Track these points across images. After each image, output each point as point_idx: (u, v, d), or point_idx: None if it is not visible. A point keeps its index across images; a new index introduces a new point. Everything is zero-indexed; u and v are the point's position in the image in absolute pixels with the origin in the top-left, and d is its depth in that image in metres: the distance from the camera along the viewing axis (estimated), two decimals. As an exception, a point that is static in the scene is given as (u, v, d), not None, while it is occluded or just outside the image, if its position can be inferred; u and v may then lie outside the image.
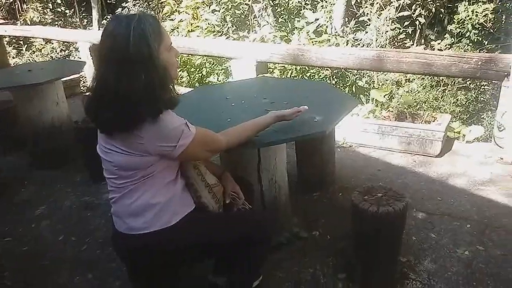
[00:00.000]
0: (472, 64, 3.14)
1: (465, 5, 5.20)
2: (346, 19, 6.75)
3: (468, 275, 2.07)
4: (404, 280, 2.05)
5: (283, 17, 7.12)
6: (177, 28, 6.47)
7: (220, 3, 6.66)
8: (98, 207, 2.90)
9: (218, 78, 6.13)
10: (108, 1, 10.03)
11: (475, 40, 4.80)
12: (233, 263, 1.64)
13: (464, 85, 5.09)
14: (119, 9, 8.38)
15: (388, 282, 2.02)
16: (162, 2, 7.65)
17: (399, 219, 1.88)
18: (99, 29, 8.47)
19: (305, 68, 4.89)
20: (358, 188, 2.02)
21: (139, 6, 8.71)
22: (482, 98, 5.06)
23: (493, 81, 3.90)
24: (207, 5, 6.84)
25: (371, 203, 1.86)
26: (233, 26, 7.06)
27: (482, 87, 5.01)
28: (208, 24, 6.42)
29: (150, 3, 8.89)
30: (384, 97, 3.68)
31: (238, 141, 1.58)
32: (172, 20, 6.51)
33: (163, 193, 1.44)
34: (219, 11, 6.66)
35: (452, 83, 4.63)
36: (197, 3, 6.25)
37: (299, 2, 6.81)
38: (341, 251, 2.25)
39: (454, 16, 5.80)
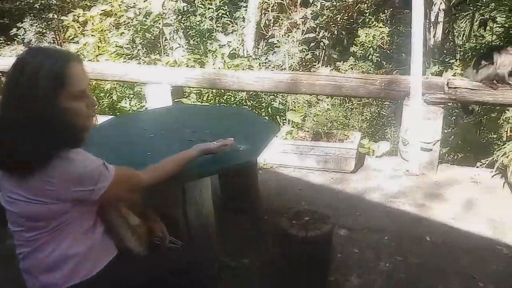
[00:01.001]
0: (376, 86, 3.39)
1: (364, 29, 5.66)
2: (257, 41, 6.98)
3: (391, 287, 2.18)
4: (335, 300, 2.09)
5: (195, 40, 7.11)
6: (82, 52, 6.11)
7: (129, 25, 6.45)
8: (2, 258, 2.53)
9: (130, 103, 5.87)
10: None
11: (376, 61, 5.24)
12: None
13: (367, 101, 5.48)
14: (14, 29, 7.71)
15: (320, 304, 2.04)
16: (63, 24, 7.19)
17: (327, 240, 1.93)
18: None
19: (221, 91, 4.90)
20: (286, 213, 2.03)
21: (36, 26, 8.08)
22: (384, 114, 5.51)
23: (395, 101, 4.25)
24: (115, 27, 6.58)
25: (299, 228, 1.88)
26: (143, 49, 6.87)
27: (384, 103, 5.46)
28: (117, 47, 6.16)
29: (50, 23, 8.30)
30: (300, 118, 3.80)
31: (163, 177, 1.49)
32: (76, 43, 6.13)
33: (81, 242, 1.29)
34: (128, 34, 6.44)
35: (359, 100, 4.97)
36: (103, 25, 5.97)
37: (210, 25, 6.85)
38: (274, 276, 2.23)
39: (355, 39, 6.30)
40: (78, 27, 5.96)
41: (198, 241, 2.08)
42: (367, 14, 6.25)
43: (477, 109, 4.16)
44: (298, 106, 4.52)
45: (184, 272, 1.52)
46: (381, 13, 6.12)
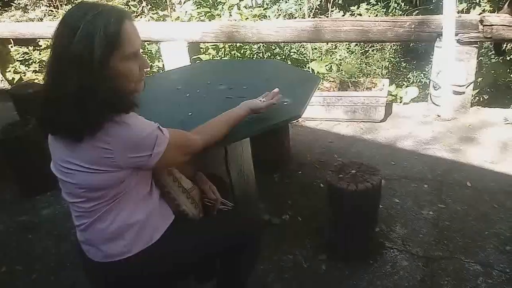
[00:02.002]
0: (406, 28, 3.22)
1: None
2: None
3: (437, 234, 2.16)
4: (382, 250, 2.07)
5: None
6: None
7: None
8: (39, 227, 2.55)
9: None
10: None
11: (398, 4, 4.97)
12: (226, 266, 1.52)
13: (390, 46, 5.25)
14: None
15: (368, 255, 2.03)
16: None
17: (377, 192, 1.88)
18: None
19: (235, 44, 4.72)
20: (331, 167, 1.97)
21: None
22: (409, 58, 5.29)
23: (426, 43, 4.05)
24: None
25: (348, 182, 1.83)
26: (148, 5, 6.61)
27: (408, 47, 5.24)
28: (124, 4, 5.93)
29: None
30: (325, 68, 3.66)
31: (214, 139, 1.42)
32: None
33: (141, 210, 1.25)
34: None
35: (381, 45, 4.76)
36: (107, -17, 5.70)
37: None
38: (316, 231, 2.22)
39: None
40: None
41: (242, 200, 2.05)
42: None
43: (507, 47, 3.96)
44: (320, 56, 4.34)
45: (236, 232, 1.50)
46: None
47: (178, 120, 1.64)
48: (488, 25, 3.06)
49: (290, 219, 2.36)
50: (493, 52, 4.35)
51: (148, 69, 1.22)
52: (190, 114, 1.70)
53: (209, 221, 1.52)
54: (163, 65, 4.43)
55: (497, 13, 3.32)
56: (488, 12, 4.11)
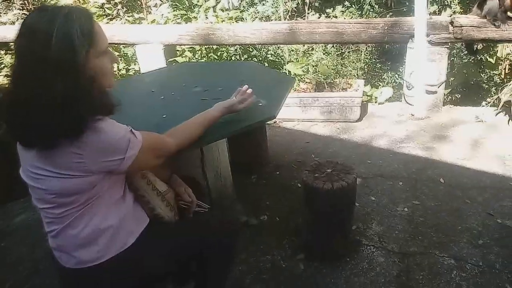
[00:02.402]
0: (379, 30, 3.28)
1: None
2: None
3: (412, 231, 2.20)
4: (359, 247, 2.10)
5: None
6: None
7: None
8: (13, 233, 2.49)
9: (118, 66, 5.65)
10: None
11: (372, 6, 5.06)
12: (203, 268, 1.51)
13: (364, 47, 5.34)
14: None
15: (345, 252, 2.05)
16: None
17: (352, 190, 1.90)
18: None
19: (212, 47, 4.71)
20: (307, 167, 1.99)
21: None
22: (383, 59, 5.40)
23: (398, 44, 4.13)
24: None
25: (323, 181, 1.85)
26: (123, 8, 6.53)
27: (381, 48, 5.34)
28: (97, 8, 5.83)
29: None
30: (301, 69, 3.70)
31: (188, 141, 1.42)
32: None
33: (113, 214, 1.23)
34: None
35: (355, 47, 4.84)
36: (81, -15, 5.61)
37: (193, -22, 6.50)
38: (293, 231, 2.24)
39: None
40: (53, -12, 5.61)
41: (218, 202, 2.05)
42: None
43: (479, 47, 4.08)
44: (297, 57, 4.37)
45: (212, 234, 1.49)
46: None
47: (152, 123, 1.62)
48: (458, 26, 3.15)
49: (268, 220, 2.37)
50: (464, 52, 4.48)
51: (118, 62, 1.21)
52: (164, 116, 1.69)
53: (185, 224, 1.51)
54: (139, 68, 4.39)
55: (467, 14, 3.42)
56: (459, 13, 4.23)
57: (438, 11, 4.42)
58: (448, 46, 3.28)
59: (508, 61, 4.26)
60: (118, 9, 6.42)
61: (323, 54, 4.81)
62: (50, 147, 1.06)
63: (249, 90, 1.64)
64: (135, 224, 1.31)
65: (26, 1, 7.04)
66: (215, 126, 1.51)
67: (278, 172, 2.88)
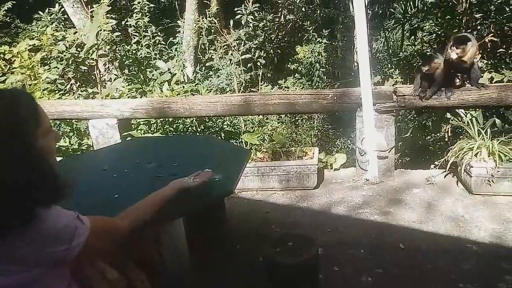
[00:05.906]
0: (329, 100, 3.43)
1: (303, 47, 5.82)
2: (195, 66, 6.92)
3: (378, 301, 2.14)
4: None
5: (132, 69, 6.87)
6: (11, 91, 5.63)
7: (61, 59, 6.07)
8: None
9: (70, 141, 5.48)
10: None
11: (319, 76, 5.37)
12: None
13: (317, 116, 5.56)
14: None
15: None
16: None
17: (315, 263, 1.86)
18: None
19: (168, 119, 4.72)
20: (269, 240, 1.93)
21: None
22: (335, 126, 5.62)
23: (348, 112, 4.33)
24: (43, 63, 6.16)
25: (286, 255, 1.79)
26: (76, 83, 6.51)
27: (333, 116, 5.58)
28: (49, 83, 5.77)
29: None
30: (257, 139, 3.75)
31: (142, 223, 1.34)
32: (3, 83, 5.65)
33: (56, 312, 1.11)
34: (60, 68, 6.06)
35: (308, 115, 5.03)
36: (33, 61, 5.56)
37: (147, 52, 6.66)
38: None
39: (293, 56, 6.43)
40: (5, 65, 5.52)
41: (174, 281, 1.92)
42: (310, 31, 6.43)
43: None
44: (253, 128, 4.46)
45: None
46: (322, 30, 6.31)
47: (103, 205, 1.54)
48: (400, 95, 3.37)
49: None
50: (409, 118, 4.77)
51: (60, 139, 1.17)
52: (116, 196, 1.61)
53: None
54: (92, 143, 4.27)
55: (408, 84, 3.68)
56: (400, 83, 4.55)
57: (382, 81, 4.74)
58: (394, 113, 3.47)
59: (450, 124, 4.57)
60: (72, 84, 6.39)
61: (278, 123, 4.97)
62: None
63: (209, 171, 1.62)
64: (80, 320, 1.18)
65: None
66: (171, 205, 1.44)
67: (238, 246, 2.78)
